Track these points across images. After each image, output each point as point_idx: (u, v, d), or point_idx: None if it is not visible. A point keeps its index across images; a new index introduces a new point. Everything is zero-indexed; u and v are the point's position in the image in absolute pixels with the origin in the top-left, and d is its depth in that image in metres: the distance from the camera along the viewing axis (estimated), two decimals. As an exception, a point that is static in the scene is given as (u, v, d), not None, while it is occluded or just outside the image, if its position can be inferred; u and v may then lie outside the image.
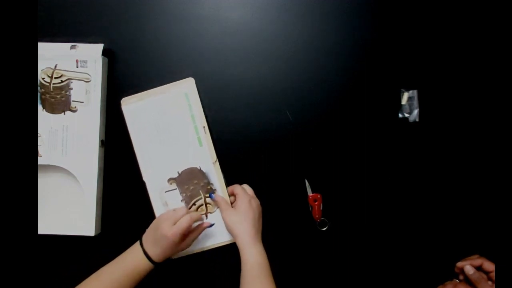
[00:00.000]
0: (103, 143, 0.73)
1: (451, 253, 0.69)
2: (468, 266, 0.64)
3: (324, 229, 0.73)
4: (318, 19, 0.73)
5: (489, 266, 0.63)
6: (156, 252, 0.64)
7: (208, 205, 0.72)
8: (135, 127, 0.72)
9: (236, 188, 0.70)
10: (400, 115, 0.73)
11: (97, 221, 0.71)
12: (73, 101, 0.71)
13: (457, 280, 0.67)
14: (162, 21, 0.74)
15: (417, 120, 0.72)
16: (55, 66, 0.71)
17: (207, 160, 0.71)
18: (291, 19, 0.73)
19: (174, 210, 0.68)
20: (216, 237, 0.72)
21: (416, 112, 0.72)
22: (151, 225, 0.67)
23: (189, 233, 0.67)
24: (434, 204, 0.72)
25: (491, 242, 0.69)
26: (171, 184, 0.72)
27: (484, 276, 0.64)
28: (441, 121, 0.72)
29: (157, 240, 0.64)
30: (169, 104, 0.71)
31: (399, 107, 0.72)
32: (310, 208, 0.73)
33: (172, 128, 0.71)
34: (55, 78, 0.71)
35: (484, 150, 0.72)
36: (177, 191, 0.72)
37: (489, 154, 0.72)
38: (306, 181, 0.73)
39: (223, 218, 0.69)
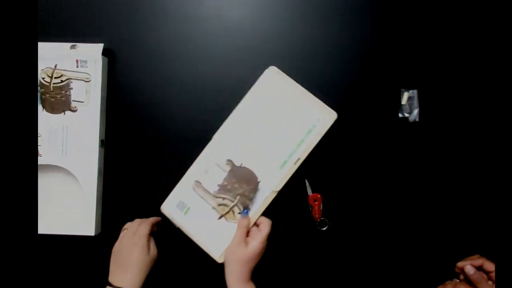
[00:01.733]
0: (103, 143, 0.73)
1: (451, 253, 0.69)
2: (468, 266, 0.64)
3: (324, 229, 0.73)
4: (319, 19, 0.73)
5: (490, 266, 0.63)
6: (128, 277, 0.61)
7: (231, 212, 0.67)
8: (255, 94, 0.67)
9: (265, 225, 0.64)
10: (400, 115, 0.72)
11: (97, 221, 0.71)
12: (73, 101, 0.71)
13: (458, 280, 0.67)
14: (162, 21, 0.74)
15: (417, 120, 0.72)
16: (55, 66, 0.71)
17: (271, 183, 0.66)
18: (291, 19, 0.73)
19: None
20: (211, 244, 0.67)
21: (416, 112, 0.72)
22: (113, 259, 0.64)
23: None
24: (434, 204, 0.72)
25: (491, 242, 0.69)
26: (226, 164, 0.67)
27: (485, 276, 0.63)
28: (441, 121, 0.72)
29: (124, 260, 0.62)
30: (298, 113, 0.66)
31: (399, 107, 0.72)
32: (310, 208, 0.73)
33: (278, 130, 0.67)
34: (55, 78, 0.71)
35: (484, 150, 0.72)
36: (224, 175, 0.66)
37: (489, 154, 0.72)
38: (306, 181, 0.73)
39: (230, 247, 0.64)
